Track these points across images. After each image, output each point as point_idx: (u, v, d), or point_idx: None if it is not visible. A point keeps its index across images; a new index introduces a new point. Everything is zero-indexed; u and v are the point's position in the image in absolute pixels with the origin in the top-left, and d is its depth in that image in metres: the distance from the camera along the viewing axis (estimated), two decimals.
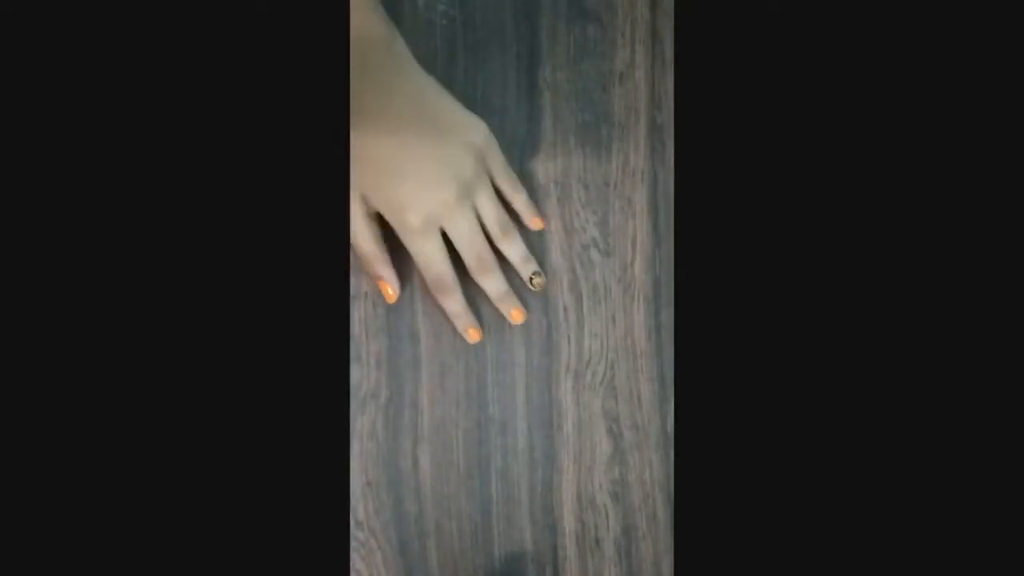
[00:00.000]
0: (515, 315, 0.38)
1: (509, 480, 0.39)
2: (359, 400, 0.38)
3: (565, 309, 0.40)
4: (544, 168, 0.40)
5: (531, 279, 0.39)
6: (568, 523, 0.40)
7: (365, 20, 0.33)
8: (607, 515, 0.40)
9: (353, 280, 0.38)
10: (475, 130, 0.36)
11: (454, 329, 0.39)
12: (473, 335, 0.38)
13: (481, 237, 0.36)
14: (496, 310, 0.39)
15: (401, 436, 0.39)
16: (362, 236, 0.36)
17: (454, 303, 0.37)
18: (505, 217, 0.37)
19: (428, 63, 0.38)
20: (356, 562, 0.38)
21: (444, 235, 0.36)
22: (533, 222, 0.39)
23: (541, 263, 0.40)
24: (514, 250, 0.38)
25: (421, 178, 0.34)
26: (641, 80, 0.41)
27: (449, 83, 0.39)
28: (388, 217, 0.35)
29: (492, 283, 0.37)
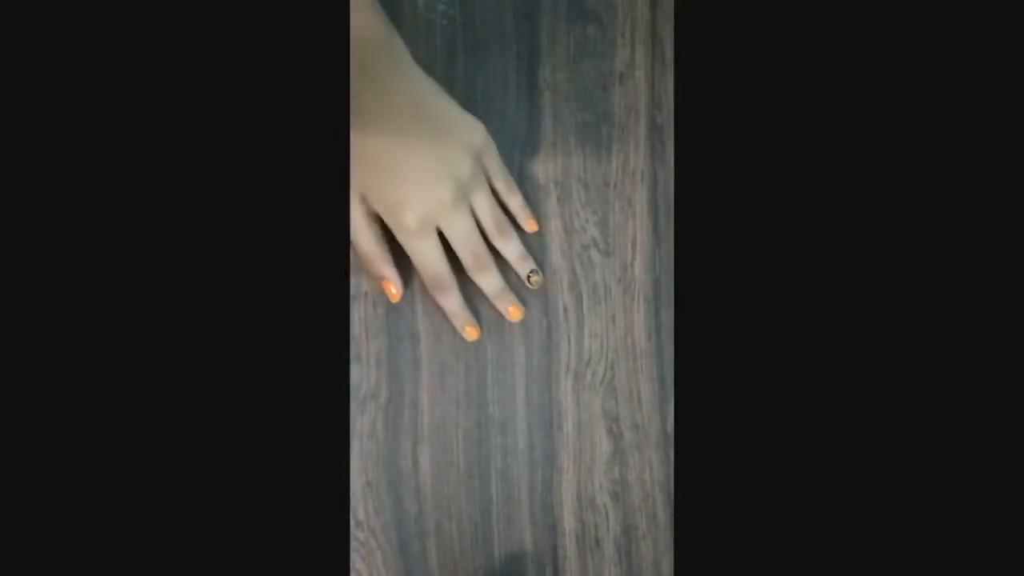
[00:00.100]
0: (512, 312, 0.38)
1: (509, 480, 0.39)
2: (359, 400, 0.38)
3: (565, 309, 0.40)
4: (544, 168, 0.40)
5: (528, 277, 0.39)
6: (568, 523, 0.40)
7: (364, 20, 0.33)
8: (607, 515, 0.40)
9: (353, 280, 0.38)
10: (473, 130, 0.36)
11: (454, 329, 0.39)
12: (471, 333, 0.38)
13: (477, 235, 0.37)
14: (496, 310, 0.39)
15: (401, 436, 0.39)
16: (363, 236, 0.36)
17: (452, 301, 0.37)
18: (502, 216, 0.37)
19: (428, 63, 0.38)
20: (356, 562, 0.38)
21: (441, 235, 0.36)
22: (528, 224, 0.39)
23: (541, 263, 0.40)
24: (511, 249, 0.38)
25: (419, 178, 0.34)
26: (641, 80, 0.41)
27: (449, 83, 0.39)
28: (385, 217, 0.35)
29: (488, 280, 0.37)
